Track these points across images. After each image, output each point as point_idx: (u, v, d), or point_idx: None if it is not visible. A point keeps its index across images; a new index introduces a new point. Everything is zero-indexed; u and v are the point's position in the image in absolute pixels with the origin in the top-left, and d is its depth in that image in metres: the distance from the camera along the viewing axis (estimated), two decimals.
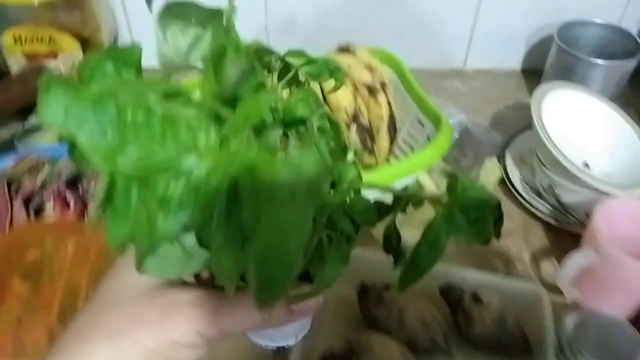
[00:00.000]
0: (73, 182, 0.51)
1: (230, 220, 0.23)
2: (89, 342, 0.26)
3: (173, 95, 0.24)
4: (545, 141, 0.63)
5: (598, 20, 0.83)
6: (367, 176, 0.34)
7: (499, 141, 0.77)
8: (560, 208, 0.67)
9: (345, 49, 0.69)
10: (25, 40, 0.75)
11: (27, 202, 0.49)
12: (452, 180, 0.28)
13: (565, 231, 0.66)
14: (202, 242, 0.24)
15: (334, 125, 0.32)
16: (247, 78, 0.28)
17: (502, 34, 0.89)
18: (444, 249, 0.27)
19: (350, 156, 0.31)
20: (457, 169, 0.72)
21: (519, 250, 0.66)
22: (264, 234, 0.22)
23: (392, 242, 0.31)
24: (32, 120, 0.71)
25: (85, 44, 0.78)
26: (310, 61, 0.34)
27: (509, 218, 0.70)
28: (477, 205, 0.27)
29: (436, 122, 0.67)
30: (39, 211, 0.49)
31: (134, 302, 0.26)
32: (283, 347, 0.36)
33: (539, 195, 0.70)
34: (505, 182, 0.72)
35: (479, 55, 0.92)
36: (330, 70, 0.34)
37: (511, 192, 0.72)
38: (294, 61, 0.33)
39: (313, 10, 0.87)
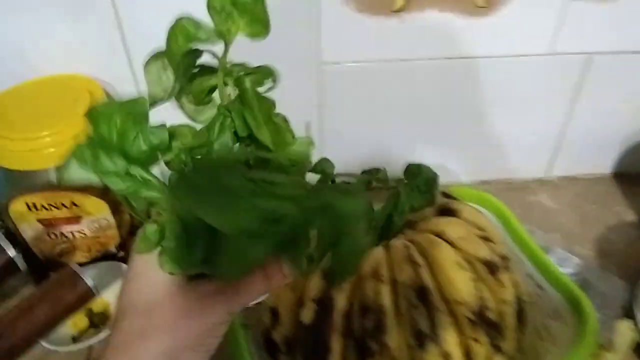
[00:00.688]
0: None
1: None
2: (151, 337, 0.31)
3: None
4: None
5: None
6: None
7: (623, 289, 0.64)
8: None
9: (445, 209, 0.56)
10: (40, 207, 0.61)
11: None
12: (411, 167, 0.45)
13: None
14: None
15: None
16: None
17: (594, 138, 0.77)
18: (406, 213, 0.44)
19: None
20: None
21: None
22: (347, 244, 0.31)
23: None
24: None
25: (113, 202, 0.64)
26: (252, 71, 0.37)
27: None
28: (425, 181, 0.44)
29: (563, 290, 0.54)
30: None
31: (175, 299, 0.32)
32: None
33: None
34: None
35: (565, 162, 0.80)
36: (266, 73, 0.37)
37: None
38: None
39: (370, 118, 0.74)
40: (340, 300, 0.49)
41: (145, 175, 0.32)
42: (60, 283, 0.48)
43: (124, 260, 0.68)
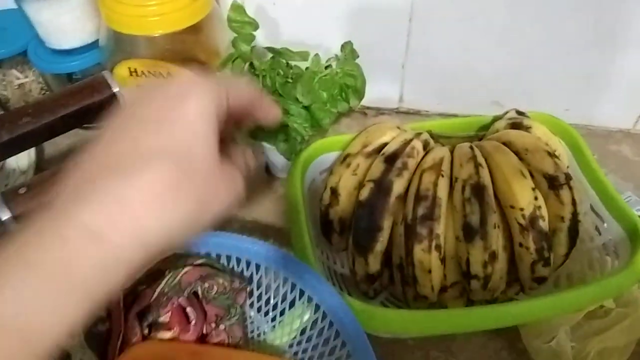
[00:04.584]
0: (195, 295, 0.43)
1: None
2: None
3: None
4: None
5: None
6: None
7: None
8: None
9: (517, 124, 0.56)
10: (141, 74, 0.67)
11: (141, 315, 0.41)
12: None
13: None
14: None
15: None
16: None
17: None
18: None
19: None
20: None
21: None
22: None
23: None
24: None
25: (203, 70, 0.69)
26: None
27: None
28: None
29: (627, 224, 0.53)
30: (153, 327, 0.41)
31: None
32: None
33: None
34: None
35: None
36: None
37: None
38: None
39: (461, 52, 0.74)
40: (398, 185, 0.51)
41: None
42: (87, 86, 0.52)
43: None
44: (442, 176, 0.51)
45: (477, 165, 0.51)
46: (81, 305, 0.24)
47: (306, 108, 0.58)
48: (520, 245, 0.50)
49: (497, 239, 0.50)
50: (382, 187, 0.51)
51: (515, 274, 0.53)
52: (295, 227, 0.54)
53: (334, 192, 0.56)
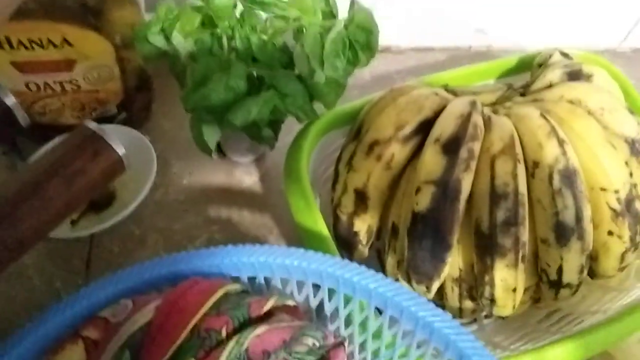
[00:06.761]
0: None
1: None
2: None
3: None
4: None
5: None
6: None
7: None
8: None
9: (576, 73, 0.44)
10: (17, 45, 0.43)
11: None
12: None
13: None
14: None
15: None
16: None
17: None
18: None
19: None
20: None
21: None
22: None
23: None
24: None
25: (120, 43, 0.47)
26: None
27: None
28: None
29: None
30: None
31: None
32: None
33: None
34: None
35: None
36: None
37: None
38: None
39: None
40: (467, 183, 0.37)
41: None
42: (78, 151, 0.33)
43: (128, 122, 0.52)
44: (519, 162, 0.38)
45: (561, 143, 0.38)
46: None
47: (301, 80, 0.40)
48: (610, 233, 0.40)
49: (591, 235, 0.38)
50: (448, 189, 0.36)
51: None
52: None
53: (362, 196, 0.40)
